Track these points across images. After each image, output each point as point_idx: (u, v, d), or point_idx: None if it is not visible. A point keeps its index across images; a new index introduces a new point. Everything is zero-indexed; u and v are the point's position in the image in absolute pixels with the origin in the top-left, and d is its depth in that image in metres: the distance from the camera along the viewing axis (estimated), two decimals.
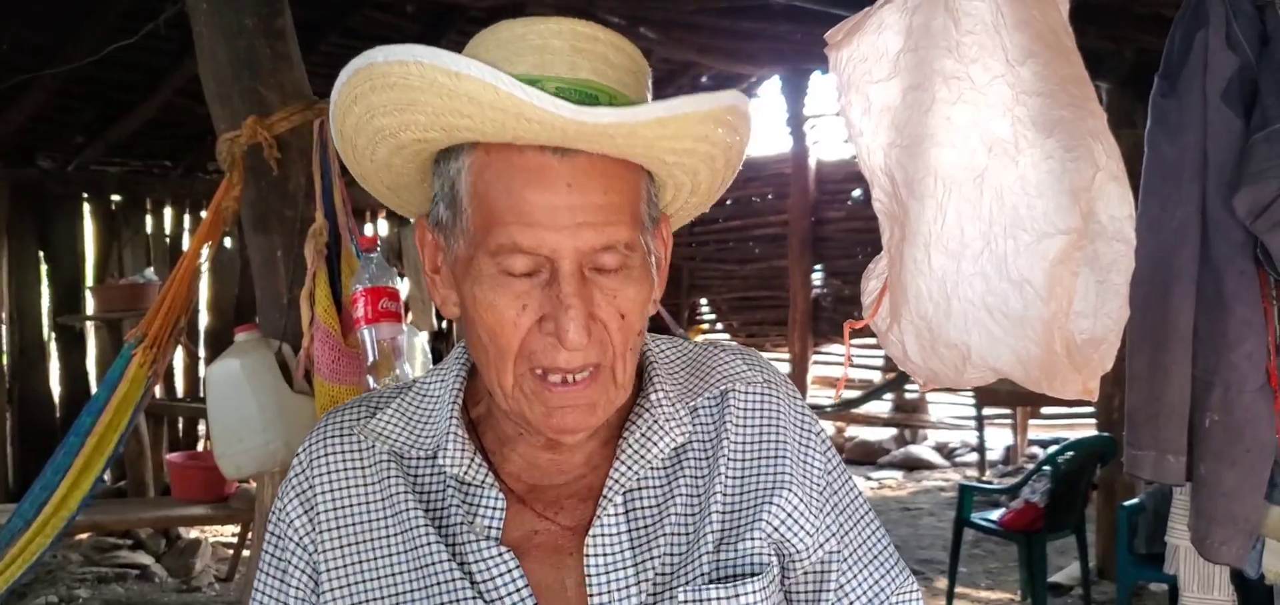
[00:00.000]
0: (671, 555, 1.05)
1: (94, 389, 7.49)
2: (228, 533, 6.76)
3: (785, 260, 10.08)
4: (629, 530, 1.04)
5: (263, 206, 2.57)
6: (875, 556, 1.14)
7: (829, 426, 10.18)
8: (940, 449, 9.58)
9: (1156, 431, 2.01)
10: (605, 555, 1.03)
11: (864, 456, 9.59)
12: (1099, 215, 1.50)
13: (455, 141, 0.99)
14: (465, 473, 1.05)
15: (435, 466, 1.08)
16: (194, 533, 6.66)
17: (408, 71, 0.93)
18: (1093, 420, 7.71)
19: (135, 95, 7.05)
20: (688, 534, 1.06)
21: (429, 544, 1.04)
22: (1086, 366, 1.51)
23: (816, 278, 10.10)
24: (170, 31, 4.99)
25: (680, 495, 1.07)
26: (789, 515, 1.08)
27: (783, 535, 1.08)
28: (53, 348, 7.59)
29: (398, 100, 0.96)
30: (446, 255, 1.04)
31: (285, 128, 2.50)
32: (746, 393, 1.13)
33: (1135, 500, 4.67)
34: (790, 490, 1.09)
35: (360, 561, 1.06)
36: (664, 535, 1.05)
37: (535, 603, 1.02)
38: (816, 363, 10.22)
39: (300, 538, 1.08)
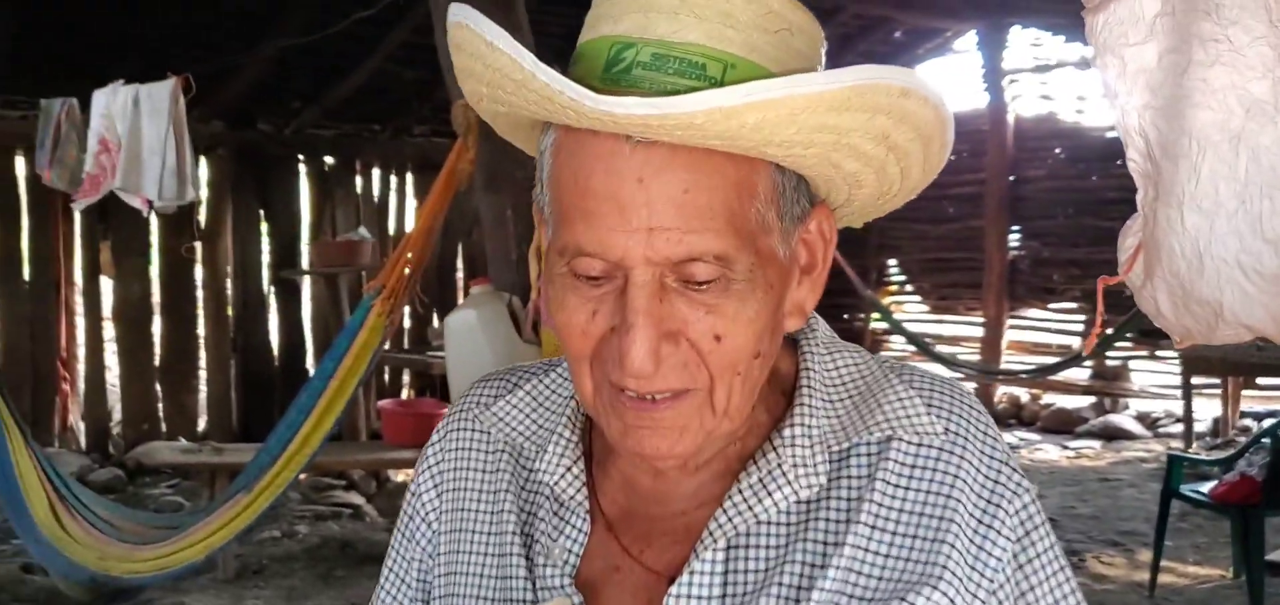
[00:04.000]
0: None
1: (309, 339, 8.02)
2: None
3: (981, 221, 9.78)
4: (726, 592, 0.85)
5: (494, 167, 2.71)
6: None
7: (1023, 394, 9.89)
8: (1142, 419, 9.17)
9: None
10: None
11: (1060, 424, 9.29)
12: None
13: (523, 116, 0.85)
14: (557, 483, 0.91)
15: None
16: (402, 475, 7.00)
17: (463, 36, 0.80)
18: None
19: (349, 62, 7.39)
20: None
21: (512, 556, 0.93)
22: None
23: (1014, 239, 9.77)
24: None
25: (799, 561, 0.85)
26: None
27: None
28: (272, 300, 8.10)
29: (463, 68, 0.83)
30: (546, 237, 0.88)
31: None
32: (917, 445, 0.88)
33: None
34: (946, 584, 0.84)
35: (458, 553, 0.97)
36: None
37: None
38: (1012, 327, 9.92)
39: (427, 514, 1.01)
